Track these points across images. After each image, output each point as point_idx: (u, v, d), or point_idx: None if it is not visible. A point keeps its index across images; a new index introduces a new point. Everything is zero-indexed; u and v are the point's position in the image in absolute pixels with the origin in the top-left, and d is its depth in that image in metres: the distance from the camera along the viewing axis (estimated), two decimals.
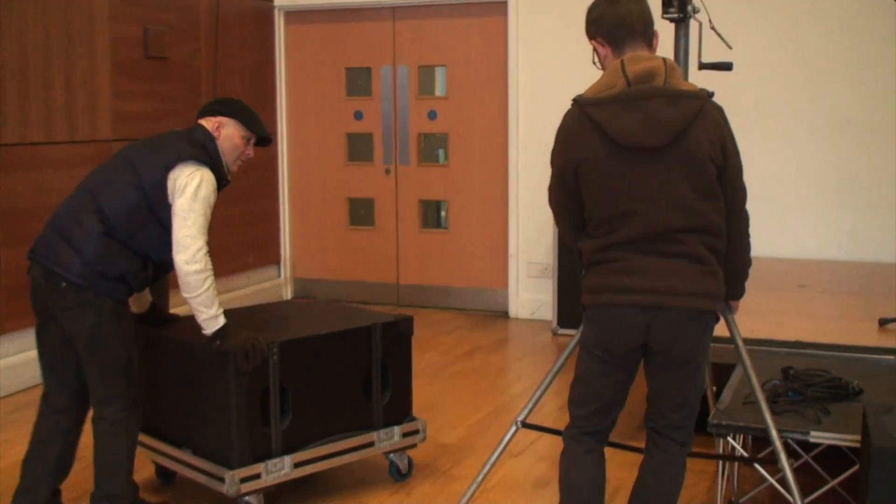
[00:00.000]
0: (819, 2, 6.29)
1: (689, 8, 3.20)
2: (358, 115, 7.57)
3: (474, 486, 3.58)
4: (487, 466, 3.54)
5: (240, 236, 7.22)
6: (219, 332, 3.41)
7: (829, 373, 3.64)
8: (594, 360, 2.94)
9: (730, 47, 3.41)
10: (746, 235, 2.98)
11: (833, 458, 3.57)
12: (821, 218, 6.41)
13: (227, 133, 3.52)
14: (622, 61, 2.82)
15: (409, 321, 4.06)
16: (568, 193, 2.91)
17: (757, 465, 3.47)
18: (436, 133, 7.45)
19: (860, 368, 3.87)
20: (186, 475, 3.76)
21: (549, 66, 6.87)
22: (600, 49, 2.96)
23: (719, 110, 2.84)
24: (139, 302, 3.77)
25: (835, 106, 6.32)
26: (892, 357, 4.05)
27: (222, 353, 3.45)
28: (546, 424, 3.74)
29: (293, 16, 7.64)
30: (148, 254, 3.42)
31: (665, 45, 3.34)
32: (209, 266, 3.34)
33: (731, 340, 3.26)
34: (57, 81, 5.60)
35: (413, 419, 4.08)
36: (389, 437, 3.97)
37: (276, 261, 7.75)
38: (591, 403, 2.98)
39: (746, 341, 4.18)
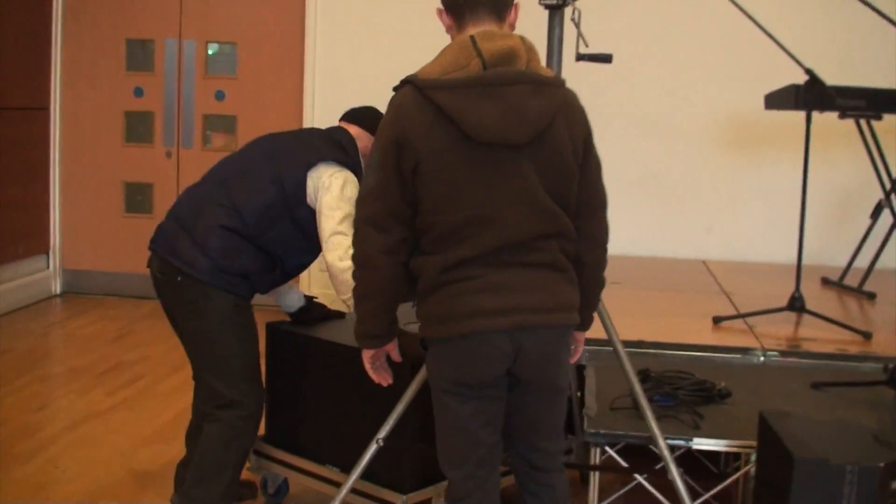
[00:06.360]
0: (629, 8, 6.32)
1: None
2: (138, 92, 6.95)
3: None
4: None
5: (5, 224, 6.42)
6: None
7: (693, 375, 3.55)
8: (458, 399, 2.44)
9: (586, 45, 3.20)
10: (604, 248, 2.58)
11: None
12: (629, 214, 6.44)
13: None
14: (472, 38, 2.36)
15: None
16: (404, 198, 2.39)
17: (637, 476, 3.31)
18: (223, 115, 6.94)
19: (706, 368, 3.82)
20: (326, 493, 3.32)
21: (351, 44, 6.57)
22: (444, 19, 2.49)
23: (578, 99, 2.50)
24: (288, 297, 3.53)
25: (644, 107, 6.38)
26: (737, 356, 4.03)
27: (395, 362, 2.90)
28: None
29: None
30: (279, 255, 3.24)
31: (540, 32, 3.10)
32: None
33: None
34: None
35: None
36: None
37: (44, 250, 6.98)
38: (470, 455, 2.49)
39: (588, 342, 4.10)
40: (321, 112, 6.62)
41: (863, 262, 5.46)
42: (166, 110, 6.94)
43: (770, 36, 4.38)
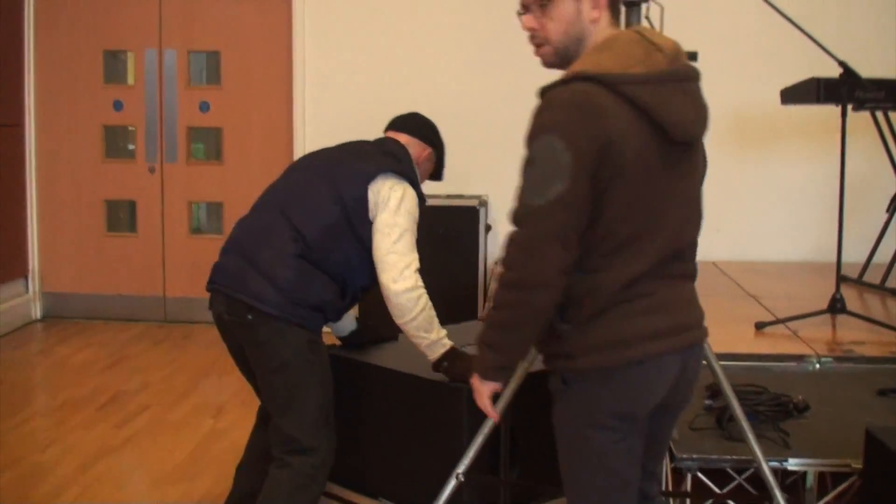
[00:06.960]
0: None
1: None
2: (117, 106, 6.63)
3: None
4: None
5: None
6: (446, 355, 2.95)
7: (767, 388, 3.36)
8: (613, 437, 2.16)
9: None
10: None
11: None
12: None
13: (427, 166, 3.27)
14: (637, 32, 2.18)
15: None
16: (589, 209, 2.07)
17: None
18: (208, 127, 6.65)
19: (762, 378, 3.63)
20: None
21: (341, 51, 6.32)
22: (588, 6, 2.16)
23: None
24: (341, 321, 3.31)
25: None
26: (792, 364, 3.86)
27: (454, 388, 2.68)
28: None
29: None
30: (345, 278, 3.03)
31: None
32: (421, 283, 2.93)
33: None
34: None
35: None
36: None
37: (22, 274, 6.62)
38: (620, 500, 2.21)
39: None
40: (312, 121, 6.36)
41: (877, 258, 5.34)
42: (148, 124, 6.64)
43: (801, 29, 4.21)
